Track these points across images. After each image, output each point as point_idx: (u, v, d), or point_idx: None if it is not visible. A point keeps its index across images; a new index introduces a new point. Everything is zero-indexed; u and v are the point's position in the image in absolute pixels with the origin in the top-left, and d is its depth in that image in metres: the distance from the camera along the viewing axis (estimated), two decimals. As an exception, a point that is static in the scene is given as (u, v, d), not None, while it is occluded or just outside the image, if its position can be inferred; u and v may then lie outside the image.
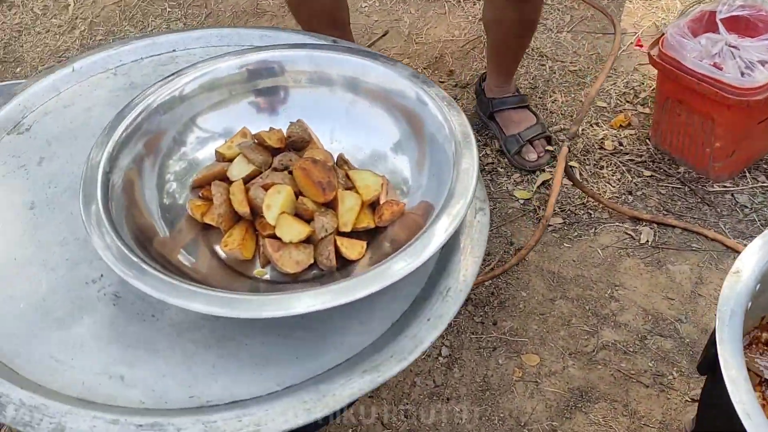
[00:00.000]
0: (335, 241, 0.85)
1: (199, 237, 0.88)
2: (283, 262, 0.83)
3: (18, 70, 2.14)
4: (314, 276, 0.85)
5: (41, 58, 2.15)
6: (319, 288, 0.71)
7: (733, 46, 1.60)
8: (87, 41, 2.19)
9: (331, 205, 0.88)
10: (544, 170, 1.76)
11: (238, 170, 0.90)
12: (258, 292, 0.70)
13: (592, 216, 1.68)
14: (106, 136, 0.85)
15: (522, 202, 1.72)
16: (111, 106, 1.03)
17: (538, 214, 1.68)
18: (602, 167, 1.77)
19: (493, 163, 1.81)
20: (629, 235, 1.64)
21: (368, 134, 0.96)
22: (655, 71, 1.70)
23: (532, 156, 1.77)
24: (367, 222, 0.88)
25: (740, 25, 1.66)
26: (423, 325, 0.78)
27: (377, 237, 0.88)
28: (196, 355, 0.77)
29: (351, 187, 0.91)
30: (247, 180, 0.90)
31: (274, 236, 0.84)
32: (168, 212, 0.86)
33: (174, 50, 1.12)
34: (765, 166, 1.72)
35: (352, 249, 0.85)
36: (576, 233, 1.65)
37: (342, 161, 0.94)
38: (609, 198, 1.70)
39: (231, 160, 0.93)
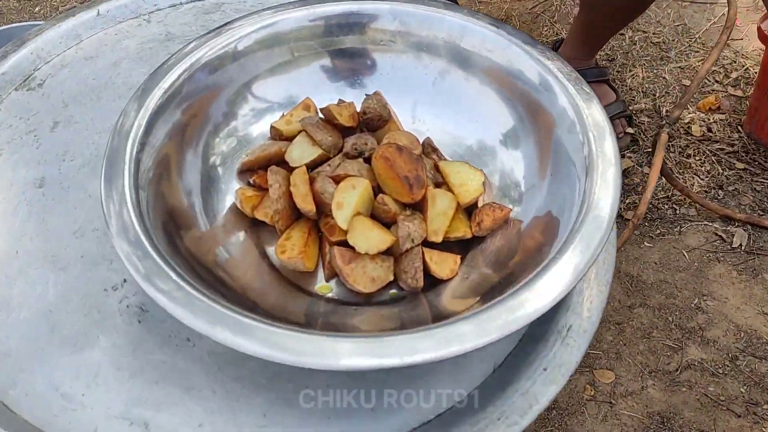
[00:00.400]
0: (423, 254, 0.66)
1: (248, 235, 0.69)
2: (355, 279, 0.65)
3: (37, 9, 1.95)
4: (391, 297, 0.67)
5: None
6: (423, 331, 0.52)
7: None
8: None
9: (418, 207, 0.69)
10: (624, 155, 1.55)
11: (300, 153, 0.71)
12: (335, 333, 0.52)
13: (678, 212, 1.47)
14: (137, 101, 0.66)
15: (597, 191, 1.51)
16: (142, 61, 0.84)
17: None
18: (689, 156, 1.55)
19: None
20: (720, 236, 1.43)
21: (462, 116, 0.76)
22: (756, 49, 1.48)
23: (611, 138, 1.55)
24: (464, 230, 0.69)
25: None
26: (538, 377, 0.59)
27: (472, 250, 0.69)
28: (242, 397, 0.59)
29: (441, 183, 0.72)
30: (312, 167, 0.71)
31: (345, 244, 0.65)
32: (212, 203, 0.68)
33: (220, -5, 0.92)
34: None
35: (443, 265, 0.67)
36: (658, 231, 1.45)
37: (430, 148, 0.75)
38: (697, 192, 1.49)
39: (289, 139, 0.74)
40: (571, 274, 0.55)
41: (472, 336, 0.52)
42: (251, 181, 0.71)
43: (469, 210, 0.71)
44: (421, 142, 0.75)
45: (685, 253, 1.42)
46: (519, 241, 0.65)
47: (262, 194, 0.70)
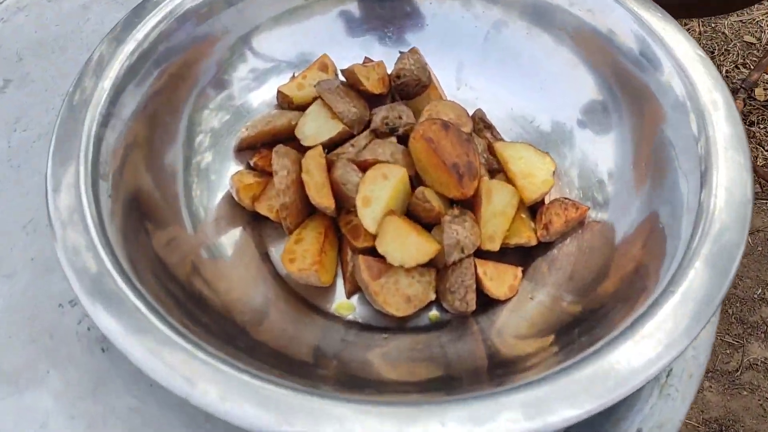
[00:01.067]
0: (476, 268, 0.50)
1: (245, 234, 0.54)
2: (385, 298, 0.49)
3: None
4: (432, 322, 0.52)
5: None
6: (482, 399, 0.37)
7: None
8: None
9: (468, 204, 0.53)
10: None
11: (316, 129, 0.55)
12: (345, 398, 0.36)
13: (739, 188, 1.30)
14: (100, 59, 0.49)
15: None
16: (117, 3, 0.67)
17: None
18: (752, 123, 1.37)
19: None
20: (787, 217, 1.27)
21: (524, 82, 0.60)
22: None
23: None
24: (527, 235, 0.53)
25: None
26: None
27: (534, 260, 0.54)
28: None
29: (496, 170, 0.56)
30: (330, 147, 0.55)
31: (373, 252, 0.50)
32: (199, 196, 0.52)
33: None
34: None
35: (501, 281, 0.51)
36: (717, 210, 1.28)
37: (482, 124, 0.58)
38: (762, 165, 1.32)
39: (301, 108, 0.57)
40: (694, 315, 0.39)
41: (557, 406, 0.36)
42: (251, 164, 0.55)
43: (533, 209, 0.55)
44: (470, 115, 0.59)
45: (748, 235, 1.25)
46: (611, 256, 0.49)
47: (265, 181, 0.54)
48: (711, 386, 1.11)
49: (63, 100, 0.47)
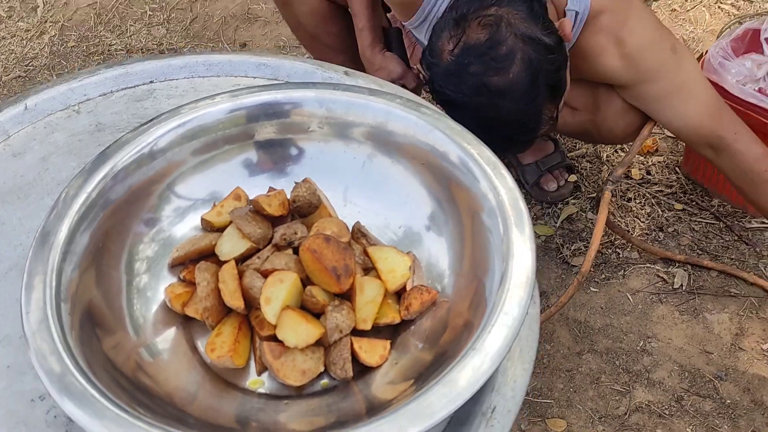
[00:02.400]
0: (352, 343, 0.67)
1: (179, 332, 0.70)
2: (285, 373, 0.65)
3: (-20, 78, 1.94)
4: (323, 388, 0.68)
5: (5, 66, 1.94)
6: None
7: (779, 69, 1.44)
8: (57, 48, 1.99)
9: (347, 295, 0.70)
10: (567, 202, 1.59)
11: (230, 247, 0.72)
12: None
13: (621, 256, 1.51)
14: (60, 209, 0.66)
15: (543, 239, 1.55)
16: (72, 155, 0.84)
17: (562, 252, 1.51)
18: (630, 199, 1.60)
19: (508, 192, 1.63)
20: (661, 278, 1.47)
21: (390, 198, 0.78)
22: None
23: (552, 186, 1.60)
24: (392, 316, 0.70)
25: (786, 46, 1.49)
26: (466, 464, 0.61)
27: (402, 333, 0.71)
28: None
29: (370, 267, 0.73)
30: (242, 260, 0.72)
31: (275, 338, 0.66)
32: (139, 309, 0.68)
33: (152, 81, 0.93)
34: (807, 200, 1.56)
35: (373, 352, 0.68)
36: (603, 275, 1.48)
37: (359, 233, 0.76)
38: (638, 235, 1.54)
39: (220, 230, 0.75)
40: (491, 362, 0.57)
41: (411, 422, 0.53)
42: (181, 277, 0.72)
43: (400, 293, 0.73)
44: (351, 226, 0.77)
45: (630, 297, 1.45)
46: (448, 321, 0.67)
47: (192, 289, 0.70)
48: (605, 430, 1.27)
49: (32, 242, 0.63)
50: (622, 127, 1.30)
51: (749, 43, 1.48)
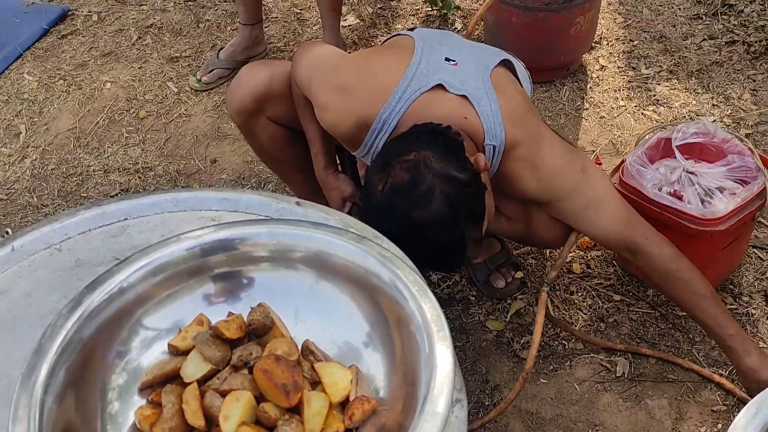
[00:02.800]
0: (301, 452, 0.77)
1: (150, 448, 0.79)
2: (243, 482, 0.75)
3: (-37, 202, 2.05)
4: (278, 493, 0.77)
5: (-12, 190, 2.06)
6: None
7: (690, 173, 1.61)
8: (38, 171, 2.12)
9: (296, 409, 0.80)
10: (516, 298, 1.72)
11: (193, 369, 0.83)
12: None
13: (567, 347, 1.63)
14: (41, 348, 0.77)
15: (495, 333, 1.66)
16: (54, 290, 0.95)
17: (512, 346, 1.63)
18: (572, 293, 1.73)
19: (463, 291, 1.76)
20: (605, 366, 1.59)
21: (335, 316, 0.90)
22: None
23: (501, 283, 1.73)
24: (336, 426, 0.80)
25: (695, 151, 1.68)
26: None
27: (347, 439, 0.81)
28: None
29: (317, 381, 0.84)
30: (204, 380, 0.83)
31: (233, 451, 0.76)
32: (110, 430, 0.78)
33: (126, 219, 1.05)
34: (731, 287, 1.71)
35: (320, 459, 0.78)
36: (552, 367, 1.59)
37: (308, 351, 0.88)
38: (581, 326, 1.66)
39: (185, 354, 0.85)
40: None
41: None
42: (149, 399, 0.82)
43: (344, 402, 0.83)
44: (300, 345, 0.88)
45: (577, 386, 1.56)
46: (380, 424, 0.77)
47: (159, 411, 0.80)
48: None
49: (18, 377, 0.74)
50: (552, 235, 1.45)
51: (663, 150, 1.66)
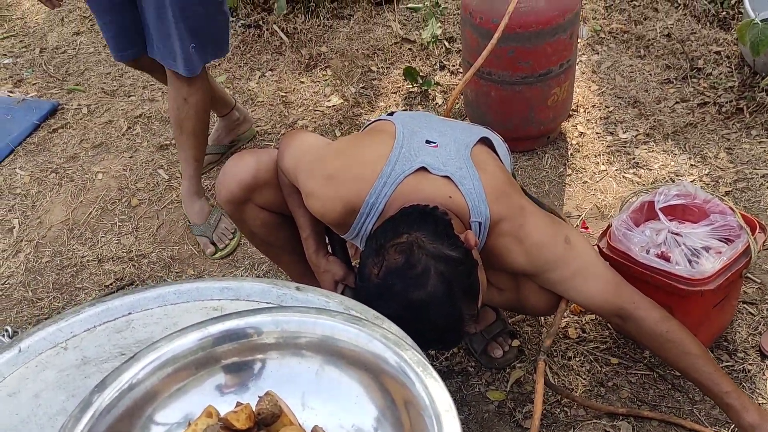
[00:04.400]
0: None
1: None
2: None
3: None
4: None
5: (-18, 288, 2.07)
6: None
7: (676, 234, 1.66)
8: (33, 265, 2.13)
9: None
10: (515, 367, 1.72)
11: (205, 464, 0.83)
12: None
13: (569, 414, 1.63)
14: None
15: (496, 404, 1.66)
16: (61, 389, 0.96)
17: (515, 416, 1.63)
18: (570, 358, 1.74)
19: (461, 362, 1.77)
20: (609, 432, 1.59)
21: (342, 400, 0.92)
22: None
23: (498, 353, 1.74)
24: None
25: (678, 212, 1.73)
26: None
27: None
28: None
29: (328, 469, 0.85)
30: (215, 475, 0.83)
31: None
32: None
33: (130, 313, 1.07)
34: (725, 344, 1.73)
35: None
36: (556, 435, 1.59)
37: (317, 437, 0.88)
38: (582, 392, 1.67)
39: (196, 448, 0.86)
40: None
41: None
42: (164, 497, 0.82)
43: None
44: (311, 429, 0.89)
45: (578, 455, 1.55)
46: None
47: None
48: None
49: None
50: (543, 304, 1.47)
51: (647, 213, 1.71)
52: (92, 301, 1.07)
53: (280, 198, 1.54)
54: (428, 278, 1.14)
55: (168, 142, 2.54)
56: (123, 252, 2.15)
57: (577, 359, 1.74)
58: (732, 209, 1.65)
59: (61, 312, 1.96)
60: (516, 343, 1.76)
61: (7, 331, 1.57)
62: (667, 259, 1.60)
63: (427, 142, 1.41)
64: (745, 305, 1.80)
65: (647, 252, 1.61)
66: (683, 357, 1.39)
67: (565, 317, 1.84)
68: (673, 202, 1.71)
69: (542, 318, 1.84)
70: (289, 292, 1.10)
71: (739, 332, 1.75)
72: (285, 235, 1.62)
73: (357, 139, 1.67)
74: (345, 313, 0.95)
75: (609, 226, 1.68)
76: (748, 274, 1.86)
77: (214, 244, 2.11)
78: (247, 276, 1.98)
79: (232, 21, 3.05)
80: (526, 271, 1.40)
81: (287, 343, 0.94)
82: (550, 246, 1.37)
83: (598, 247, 1.68)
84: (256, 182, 1.51)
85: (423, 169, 1.35)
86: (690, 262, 1.60)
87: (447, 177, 1.35)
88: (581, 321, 1.84)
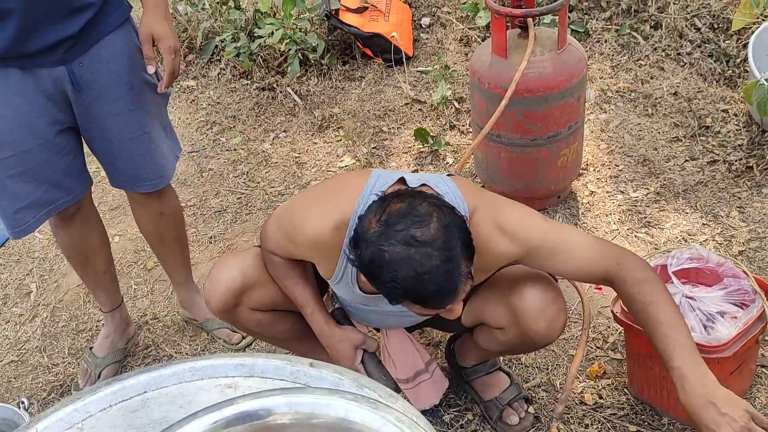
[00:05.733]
0: None
1: None
2: None
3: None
4: None
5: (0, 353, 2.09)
6: None
7: (690, 297, 1.65)
8: (49, 329, 2.15)
9: None
10: (529, 434, 1.71)
11: None
12: None
13: (587, 484, 1.60)
14: None
15: (513, 473, 1.64)
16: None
17: (531, 487, 1.60)
18: (587, 425, 1.72)
19: (476, 430, 1.75)
20: (629, 503, 1.56)
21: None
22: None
23: (514, 419, 1.72)
24: None
25: (691, 275, 1.73)
26: None
27: None
28: None
29: None
30: None
31: None
32: None
33: (145, 392, 1.08)
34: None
35: None
36: (574, 507, 1.56)
37: None
38: (600, 459, 1.64)
39: None
40: None
41: None
42: None
43: None
44: None
45: None
46: None
47: None
48: None
49: None
50: (544, 324, 1.46)
51: (660, 276, 1.71)
52: (109, 381, 1.08)
53: (271, 295, 1.55)
54: (431, 219, 1.20)
55: (183, 204, 2.59)
56: (137, 315, 2.16)
57: (595, 427, 1.72)
58: (746, 273, 1.64)
59: (74, 377, 1.97)
60: (531, 409, 1.74)
61: (23, 402, 1.59)
62: (682, 325, 1.59)
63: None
64: (763, 369, 1.78)
65: (661, 317, 1.60)
66: (649, 322, 1.35)
67: (581, 381, 1.82)
68: (686, 266, 1.71)
69: (557, 381, 1.83)
70: (303, 369, 1.10)
71: (758, 398, 1.72)
72: (283, 328, 1.64)
73: (333, 177, 1.69)
74: (359, 393, 0.96)
75: (622, 291, 1.67)
76: (766, 337, 1.84)
77: (236, 331, 2.01)
78: (261, 350, 1.99)
79: (247, 84, 3.13)
80: (513, 254, 1.39)
81: (301, 424, 0.94)
82: (530, 224, 1.39)
83: (613, 313, 1.68)
84: (244, 285, 1.52)
85: (402, 180, 1.41)
86: (705, 327, 1.59)
87: (424, 184, 1.40)
88: (597, 386, 1.82)
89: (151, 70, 1.56)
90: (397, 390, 1.51)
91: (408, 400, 1.42)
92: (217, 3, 3.28)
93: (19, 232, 1.62)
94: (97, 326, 2.14)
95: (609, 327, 1.97)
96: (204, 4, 3.29)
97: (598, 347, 1.93)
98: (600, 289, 2.08)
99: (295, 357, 1.14)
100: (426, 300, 1.24)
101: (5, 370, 2.03)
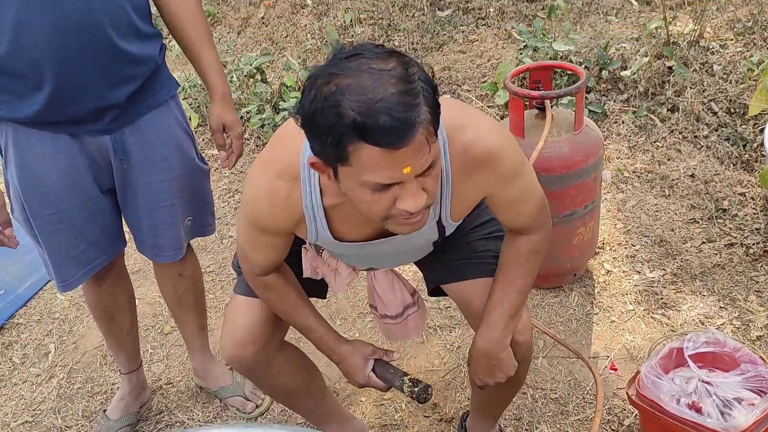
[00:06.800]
0: None
1: None
2: None
3: (-12, 424, 2.08)
4: None
5: (14, 412, 2.10)
6: None
7: (707, 382, 1.63)
8: (64, 391, 2.17)
9: None
10: None
11: None
12: None
13: None
14: None
15: None
16: None
17: None
18: None
19: None
20: None
21: None
22: (637, 408, 1.71)
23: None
24: None
25: (708, 359, 1.71)
26: None
27: None
28: None
29: None
30: None
31: None
32: None
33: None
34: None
35: None
36: None
37: None
38: None
39: None
40: None
41: None
42: None
43: None
44: None
45: None
46: None
47: None
48: None
49: None
50: (522, 340, 1.48)
51: (676, 360, 1.70)
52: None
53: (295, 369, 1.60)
54: (390, 58, 1.06)
55: (203, 270, 2.63)
56: (152, 380, 2.17)
57: None
58: (763, 359, 1.63)
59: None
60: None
61: (35, 463, 1.58)
62: (698, 410, 1.57)
63: None
64: (783, 459, 1.73)
65: (677, 402, 1.58)
66: (500, 277, 1.43)
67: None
68: (702, 350, 1.70)
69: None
70: (314, 443, 1.11)
71: (778, 489, 1.67)
72: (283, 366, 1.60)
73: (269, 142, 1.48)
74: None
75: (637, 373, 1.66)
76: (785, 426, 1.80)
77: (249, 400, 2.01)
78: (273, 419, 1.98)
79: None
80: (497, 179, 1.30)
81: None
82: (512, 153, 1.30)
83: (628, 395, 1.66)
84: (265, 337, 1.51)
85: None
86: (722, 414, 1.57)
87: None
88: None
89: (224, 156, 1.77)
90: (412, 381, 1.49)
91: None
92: (245, 76, 3.41)
93: (65, 286, 1.70)
94: (112, 389, 2.15)
95: (624, 410, 1.94)
96: (233, 77, 3.42)
97: (613, 430, 1.89)
98: (615, 369, 2.06)
99: (304, 429, 1.15)
100: (375, 135, 1.02)
101: (19, 430, 2.03)
